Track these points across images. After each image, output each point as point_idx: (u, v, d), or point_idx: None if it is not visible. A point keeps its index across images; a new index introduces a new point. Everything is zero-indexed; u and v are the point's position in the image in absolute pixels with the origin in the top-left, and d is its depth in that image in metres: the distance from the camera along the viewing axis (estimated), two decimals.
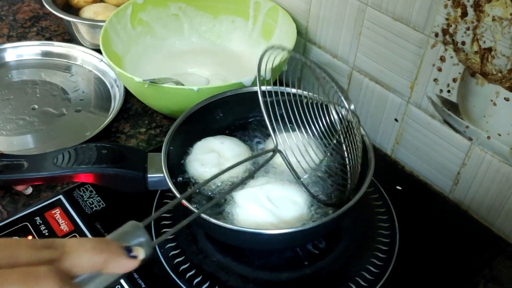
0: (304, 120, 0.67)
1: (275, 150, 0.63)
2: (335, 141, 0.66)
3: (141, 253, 0.44)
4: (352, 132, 0.65)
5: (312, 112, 0.67)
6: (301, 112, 0.67)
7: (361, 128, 0.66)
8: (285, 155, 0.63)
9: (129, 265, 0.43)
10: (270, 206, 0.62)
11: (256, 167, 0.64)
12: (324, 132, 0.67)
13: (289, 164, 0.62)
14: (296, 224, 0.61)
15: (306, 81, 0.73)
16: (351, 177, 0.64)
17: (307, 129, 0.67)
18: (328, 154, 0.67)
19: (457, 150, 0.73)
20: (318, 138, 0.67)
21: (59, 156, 0.66)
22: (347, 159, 0.65)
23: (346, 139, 0.66)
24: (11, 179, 0.66)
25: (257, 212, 0.62)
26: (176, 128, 0.69)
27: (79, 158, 0.66)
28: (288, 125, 0.66)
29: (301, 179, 0.63)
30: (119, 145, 0.78)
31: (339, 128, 0.67)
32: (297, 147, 0.63)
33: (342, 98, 0.65)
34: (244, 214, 0.63)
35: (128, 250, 0.43)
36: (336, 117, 0.67)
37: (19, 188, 0.72)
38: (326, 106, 0.67)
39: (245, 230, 0.58)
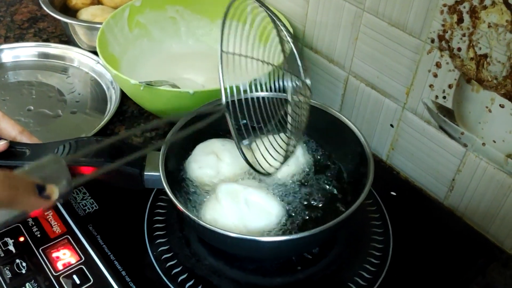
0: (258, 86, 0.67)
1: (223, 109, 0.62)
2: (282, 112, 0.67)
3: (54, 193, 0.40)
4: (301, 105, 0.65)
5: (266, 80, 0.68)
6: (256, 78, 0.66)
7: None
8: (231, 115, 0.62)
9: (39, 204, 0.40)
10: (244, 208, 0.62)
11: (204, 121, 0.62)
12: (275, 103, 0.67)
13: (232, 125, 0.62)
14: (257, 234, 0.61)
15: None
16: (290, 148, 0.64)
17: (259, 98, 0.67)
18: (274, 124, 0.66)
19: (452, 157, 0.73)
20: (268, 107, 0.67)
21: (60, 147, 0.65)
22: (289, 129, 0.65)
23: (294, 112, 0.66)
24: (13, 166, 0.66)
25: (228, 210, 0.62)
26: (179, 128, 0.69)
27: (79, 151, 0.65)
28: (242, 92, 0.66)
29: (240, 143, 0.62)
30: (119, 141, 0.78)
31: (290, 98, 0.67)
32: (245, 112, 0.63)
33: (301, 68, 0.65)
34: (213, 208, 0.63)
35: (40, 189, 0.39)
36: (289, 85, 0.68)
37: None
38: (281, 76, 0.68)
39: (231, 235, 0.57)
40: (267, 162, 0.65)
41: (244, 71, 0.64)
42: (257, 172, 0.64)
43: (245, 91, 0.66)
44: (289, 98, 0.68)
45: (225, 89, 0.63)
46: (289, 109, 0.67)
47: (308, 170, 0.71)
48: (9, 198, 0.38)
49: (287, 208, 0.66)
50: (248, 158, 0.63)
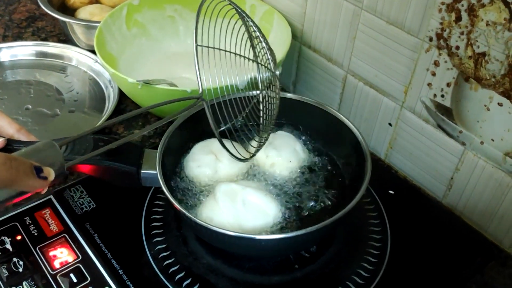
0: (232, 75, 0.69)
1: (199, 98, 0.64)
2: (255, 101, 0.69)
3: (51, 175, 0.43)
4: (272, 94, 0.68)
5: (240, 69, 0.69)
6: (231, 66, 0.68)
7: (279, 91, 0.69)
8: (208, 105, 0.63)
9: (37, 184, 0.43)
10: (241, 208, 0.62)
11: (180, 111, 0.65)
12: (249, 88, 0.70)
13: (209, 114, 0.63)
14: (253, 233, 0.61)
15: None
16: (261, 134, 0.67)
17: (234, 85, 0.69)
18: (247, 111, 0.68)
19: (450, 155, 0.72)
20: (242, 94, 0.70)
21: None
22: (261, 117, 0.68)
23: (264, 100, 0.68)
24: None
25: (225, 209, 0.62)
26: (177, 126, 0.69)
27: (76, 148, 0.65)
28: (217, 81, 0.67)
29: (217, 130, 0.63)
30: (116, 139, 0.78)
31: (260, 87, 0.70)
32: (220, 99, 0.65)
33: (270, 59, 0.67)
34: (210, 207, 0.63)
35: (38, 170, 0.42)
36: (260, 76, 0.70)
37: None
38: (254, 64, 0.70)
39: (228, 233, 0.57)
40: (243, 147, 0.68)
41: (218, 64, 0.67)
42: (234, 158, 0.66)
43: (221, 87, 0.68)
44: (260, 89, 0.71)
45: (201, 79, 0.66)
46: (261, 99, 0.69)
47: (307, 165, 0.72)
48: (11, 178, 0.41)
49: (286, 206, 0.66)
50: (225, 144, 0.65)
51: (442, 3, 0.64)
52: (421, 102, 0.73)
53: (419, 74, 0.71)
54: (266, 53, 0.68)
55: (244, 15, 0.67)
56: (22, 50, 1.02)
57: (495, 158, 0.67)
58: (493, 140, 0.66)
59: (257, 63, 0.69)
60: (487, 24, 0.61)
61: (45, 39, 1.06)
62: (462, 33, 0.64)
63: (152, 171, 0.64)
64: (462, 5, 0.62)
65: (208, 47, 0.66)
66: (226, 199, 0.63)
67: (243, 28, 0.68)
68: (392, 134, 0.80)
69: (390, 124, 0.79)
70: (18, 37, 1.07)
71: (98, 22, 0.91)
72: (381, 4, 0.72)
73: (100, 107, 0.91)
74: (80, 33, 0.99)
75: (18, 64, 1.00)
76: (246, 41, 0.68)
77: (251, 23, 0.67)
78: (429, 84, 0.71)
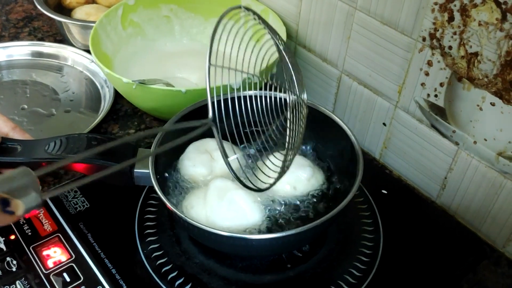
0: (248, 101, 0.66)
1: (208, 123, 0.60)
2: (274, 127, 0.65)
3: (19, 208, 0.37)
4: (296, 120, 0.63)
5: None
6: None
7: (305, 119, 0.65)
8: (217, 129, 0.60)
9: (2, 220, 0.37)
10: (224, 206, 0.62)
11: (187, 136, 0.59)
12: (265, 115, 0.66)
13: (219, 140, 0.60)
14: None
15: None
16: (284, 166, 0.61)
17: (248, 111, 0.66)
18: (264, 139, 0.64)
19: (444, 155, 0.73)
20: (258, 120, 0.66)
21: (51, 143, 0.66)
22: (287, 144, 0.62)
23: (290, 127, 0.64)
24: (3, 162, 0.66)
25: (209, 203, 0.62)
26: (171, 125, 0.69)
27: (69, 147, 0.66)
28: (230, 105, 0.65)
29: (228, 158, 0.60)
30: (110, 138, 0.78)
31: (287, 114, 0.65)
32: (233, 126, 0.61)
33: (296, 84, 0.64)
34: (196, 196, 0.63)
35: (4, 203, 0.36)
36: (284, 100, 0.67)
37: None
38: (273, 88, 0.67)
39: (221, 233, 0.57)
40: (258, 178, 0.62)
41: (232, 82, 0.63)
42: (247, 188, 0.61)
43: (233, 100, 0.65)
44: (287, 115, 0.65)
45: (212, 103, 0.61)
46: (288, 123, 0.64)
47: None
48: None
49: (278, 202, 0.66)
50: (237, 173, 0.61)
51: (435, 3, 0.64)
52: (414, 102, 0.73)
53: (413, 74, 0.71)
54: (292, 75, 0.64)
55: (270, 32, 0.62)
56: (18, 50, 1.02)
57: (488, 157, 0.67)
58: (486, 140, 0.66)
59: (285, 89, 0.66)
60: (480, 24, 0.61)
61: (41, 39, 1.06)
62: (454, 33, 0.64)
63: (145, 170, 0.64)
64: (455, 5, 0.62)
65: (223, 67, 0.61)
66: (215, 194, 0.63)
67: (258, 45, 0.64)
68: (386, 134, 0.80)
69: (384, 124, 0.79)
70: (14, 37, 1.07)
71: (94, 22, 0.91)
72: (375, 4, 0.72)
73: (96, 107, 0.91)
74: (76, 33, 0.99)
75: (14, 64, 1.00)
76: (262, 58, 0.64)
77: (279, 40, 0.63)
78: (422, 84, 0.71)
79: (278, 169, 0.61)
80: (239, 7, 0.61)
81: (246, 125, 0.64)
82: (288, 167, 0.61)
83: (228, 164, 0.60)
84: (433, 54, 0.67)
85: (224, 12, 0.59)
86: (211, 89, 0.60)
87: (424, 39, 0.68)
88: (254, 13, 0.62)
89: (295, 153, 0.62)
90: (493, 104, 0.64)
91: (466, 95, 0.66)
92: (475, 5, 0.60)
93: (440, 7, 0.64)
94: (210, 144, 0.71)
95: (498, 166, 0.67)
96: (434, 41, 0.67)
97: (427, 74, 0.69)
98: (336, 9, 0.78)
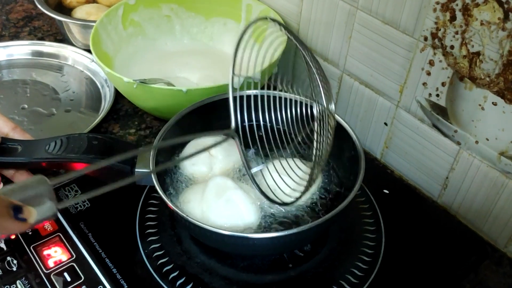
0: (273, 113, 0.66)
1: (231, 134, 0.58)
2: (299, 139, 0.64)
3: (32, 216, 0.36)
4: (323, 132, 0.62)
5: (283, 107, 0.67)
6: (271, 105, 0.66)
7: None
8: (240, 141, 0.58)
9: (14, 228, 0.36)
10: (221, 205, 0.62)
11: (209, 146, 0.59)
12: (291, 128, 0.66)
13: (242, 151, 0.58)
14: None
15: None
16: (311, 180, 0.59)
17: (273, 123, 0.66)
18: (289, 152, 0.63)
19: (445, 155, 0.72)
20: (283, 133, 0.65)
21: (51, 143, 0.66)
22: (313, 157, 0.61)
23: (317, 139, 0.63)
24: (4, 162, 0.66)
25: (206, 199, 0.62)
26: (171, 125, 0.69)
27: (70, 147, 0.65)
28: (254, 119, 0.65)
29: (250, 170, 0.58)
30: (111, 137, 0.78)
31: (314, 126, 0.65)
32: (256, 137, 0.61)
33: (323, 94, 0.64)
34: (194, 192, 0.63)
35: (17, 210, 0.35)
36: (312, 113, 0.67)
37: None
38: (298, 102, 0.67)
39: (221, 232, 0.57)
40: (282, 191, 0.61)
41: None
42: (272, 203, 0.59)
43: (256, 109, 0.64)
44: (314, 126, 0.65)
45: (235, 112, 0.59)
46: (315, 135, 0.63)
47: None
48: None
49: (280, 204, 0.65)
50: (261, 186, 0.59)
51: (437, 3, 0.64)
52: (416, 102, 0.73)
53: (414, 73, 0.71)
54: (318, 85, 0.63)
55: (298, 43, 0.62)
56: (18, 50, 1.02)
57: (489, 157, 0.67)
58: (487, 140, 0.66)
59: (312, 99, 0.65)
60: (482, 24, 0.61)
61: (41, 39, 1.06)
62: (456, 33, 0.64)
63: (146, 170, 0.64)
64: (457, 5, 0.62)
65: (246, 77, 0.61)
66: (213, 191, 0.63)
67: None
68: (388, 134, 0.80)
69: (385, 124, 0.79)
70: (15, 37, 1.07)
71: (95, 21, 0.91)
72: (376, 4, 0.72)
73: (96, 107, 0.91)
74: (77, 33, 0.99)
75: (14, 64, 1.00)
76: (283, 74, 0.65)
77: (308, 54, 0.62)
78: (424, 84, 0.71)
79: (304, 182, 0.59)
80: (265, 18, 0.61)
81: (270, 136, 0.62)
82: (314, 181, 0.60)
83: (251, 176, 0.58)
84: (434, 53, 0.67)
85: (250, 23, 0.59)
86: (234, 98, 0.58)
87: (425, 39, 0.68)
88: (280, 24, 0.62)
89: (323, 166, 0.60)
90: (495, 104, 0.63)
91: (468, 94, 0.66)
92: (477, 5, 0.60)
93: (442, 6, 0.64)
94: (209, 142, 0.70)
95: (500, 165, 0.66)
96: (436, 40, 0.67)
97: (428, 73, 0.69)
98: (338, 8, 0.78)
